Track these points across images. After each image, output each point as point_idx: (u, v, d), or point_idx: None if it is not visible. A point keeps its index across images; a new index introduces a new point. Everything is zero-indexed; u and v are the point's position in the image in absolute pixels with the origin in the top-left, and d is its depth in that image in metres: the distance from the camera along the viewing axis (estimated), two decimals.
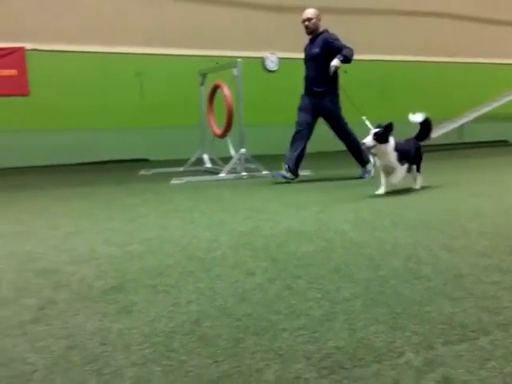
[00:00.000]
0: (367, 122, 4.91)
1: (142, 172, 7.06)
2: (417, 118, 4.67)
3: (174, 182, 5.81)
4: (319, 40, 5.58)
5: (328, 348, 1.46)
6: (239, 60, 6.15)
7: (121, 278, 2.20)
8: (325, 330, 1.58)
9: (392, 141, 4.32)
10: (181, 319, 1.71)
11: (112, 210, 4.04)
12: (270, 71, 9.89)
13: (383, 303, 1.80)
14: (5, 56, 8.10)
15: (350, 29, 10.67)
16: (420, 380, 1.28)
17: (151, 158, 9.09)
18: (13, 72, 8.13)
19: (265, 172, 6.14)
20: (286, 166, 5.59)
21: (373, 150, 4.36)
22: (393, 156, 4.32)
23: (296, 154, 5.58)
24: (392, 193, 4.46)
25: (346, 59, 5.37)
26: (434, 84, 11.37)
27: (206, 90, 7.28)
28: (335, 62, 5.36)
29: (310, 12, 5.62)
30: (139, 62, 8.87)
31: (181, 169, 7.15)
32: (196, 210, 3.98)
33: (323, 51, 5.50)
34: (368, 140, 4.27)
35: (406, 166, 4.46)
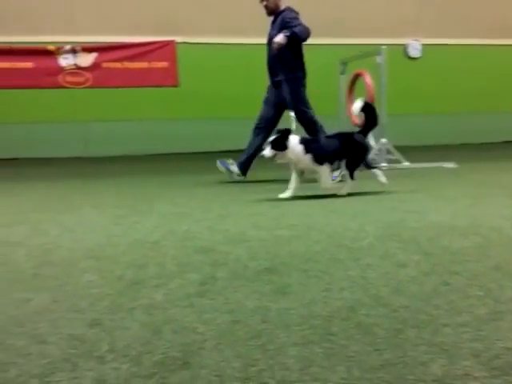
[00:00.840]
0: (292, 119, 4.49)
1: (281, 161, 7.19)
2: (357, 106, 4.15)
3: None
4: (278, 20, 4.85)
5: (497, 348, 1.38)
6: (383, 47, 5.99)
7: (272, 260, 2.28)
8: (491, 330, 1.49)
9: (296, 145, 3.94)
10: (336, 305, 1.73)
11: (257, 195, 4.18)
12: (413, 58, 9.49)
13: None
14: (157, 49, 8.71)
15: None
16: None
17: None
18: (164, 64, 8.72)
19: (406, 163, 5.93)
20: (238, 162, 5.16)
21: (277, 160, 3.98)
22: (308, 160, 3.97)
23: (250, 151, 5.09)
24: None
25: (295, 36, 4.58)
26: None
27: (346, 79, 7.20)
28: (279, 38, 4.56)
29: None
30: None
31: None
32: (337, 199, 3.99)
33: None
34: (266, 152, 3.93)
35: (327, 165, 4.05)
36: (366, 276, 2.03)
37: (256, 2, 9.01)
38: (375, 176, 4.22)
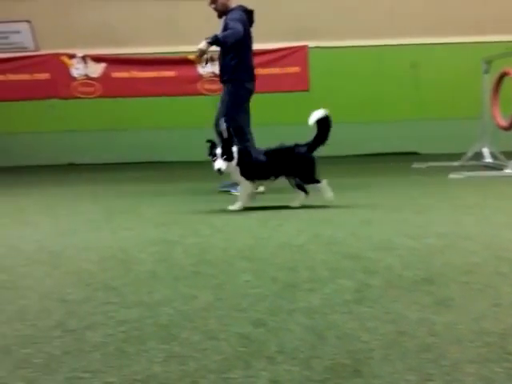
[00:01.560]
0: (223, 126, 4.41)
1: (415, 165, 6.93)
2: (316, 115, 3.84)
3: (453, 176, 5.54)
4: (224, 21, 4.71)
5: None
6: None
7: (427, 270, 2.18)
8: None
9: (235, 155, 3.76)
10: (509, 322, 1.61)
11: (397, 200, 4.07)
12: None
13: None
14: (290, 55, 8.86)
15: None
16: None
17: (421, 152, 8.87)
18: (296, 69, 8.84)
19: None
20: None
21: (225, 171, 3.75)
22: (236, 171, 3.81)
23: None
24: None
25: (217, 41, 4.41)
26: None
27: (490, 79, 6.74)
28: (200, 45, 4.44)
29: None
30: (415, 53, 8.70)
31: (456, 163, 6.79)
32: (486, 206, 3.73)
33: None
34: (220, 164, 3.67)
35: (254, 181, 3.88)
36: None
37: (389, 4, 8.82)
38: (318, 190, 3.90)
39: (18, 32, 9.09)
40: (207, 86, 8.43)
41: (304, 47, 8.69)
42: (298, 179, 3.90)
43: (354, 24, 8.69)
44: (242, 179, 3.86)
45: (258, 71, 8.67)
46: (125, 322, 1.69)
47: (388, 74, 8.84)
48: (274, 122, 8.82)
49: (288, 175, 3.92)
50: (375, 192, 4.63)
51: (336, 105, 8.80)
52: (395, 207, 3.78)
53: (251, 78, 4.96)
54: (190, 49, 8.58)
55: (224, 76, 4.87)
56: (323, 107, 8.82)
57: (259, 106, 9.01)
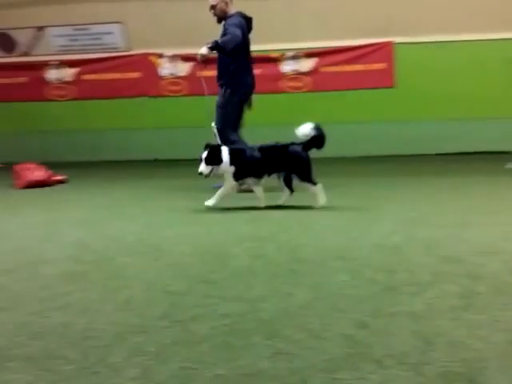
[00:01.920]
0: (215, 131, 4.42)
1: (509, 165, 6.54)
2: (305, 130, 3.88)
3: None
4: (223, 26, 4.80)
5: None
6: None
7: None
8: None
9: (226, 156, 3.78)
10: None
11: (494, 202, 3.86)
12: None
13: None
14: (375, 51, 8.66)
15: None
16: None
17: None
18: (381, 66, 8.63)
19: None
20: None
21: (214, 174, 3.79)
22: (229, 172, 3.82)
23: None
24: None
25: (218, 46, 4.45)
26: None
27: None
28: (202, 50, 4.48)
29: None
30: (509, 48, 8.21)
31: None
32: None
33: None
34: (203, 169, 3.73)
35: (248, 180, 3.89)
36: None
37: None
38: (311, 192, 3.81)
39: (110, 33, 9.51)
40: (289, 84, 8.44)
41: (389, 43, 8.46)
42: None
43: (442, 19, 8.33)
44: (230, 178, 3.85)
45: (343, 68, 8.63)
46: (227, 316, 1.73)
47: (479, 70, 8.40)
48: (358, 120, 8.69)
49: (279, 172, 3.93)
50: (469, 193, 4.40)
51: (423, 101, 8.53)
52: (494, 210, 3.58)
53: (248, 82, 5.00)
54: (273, 47, 8.65)
55: (222, 79, 4.93)
56: (409, 104, 8.52)
57: (343, 103, 8.90)
